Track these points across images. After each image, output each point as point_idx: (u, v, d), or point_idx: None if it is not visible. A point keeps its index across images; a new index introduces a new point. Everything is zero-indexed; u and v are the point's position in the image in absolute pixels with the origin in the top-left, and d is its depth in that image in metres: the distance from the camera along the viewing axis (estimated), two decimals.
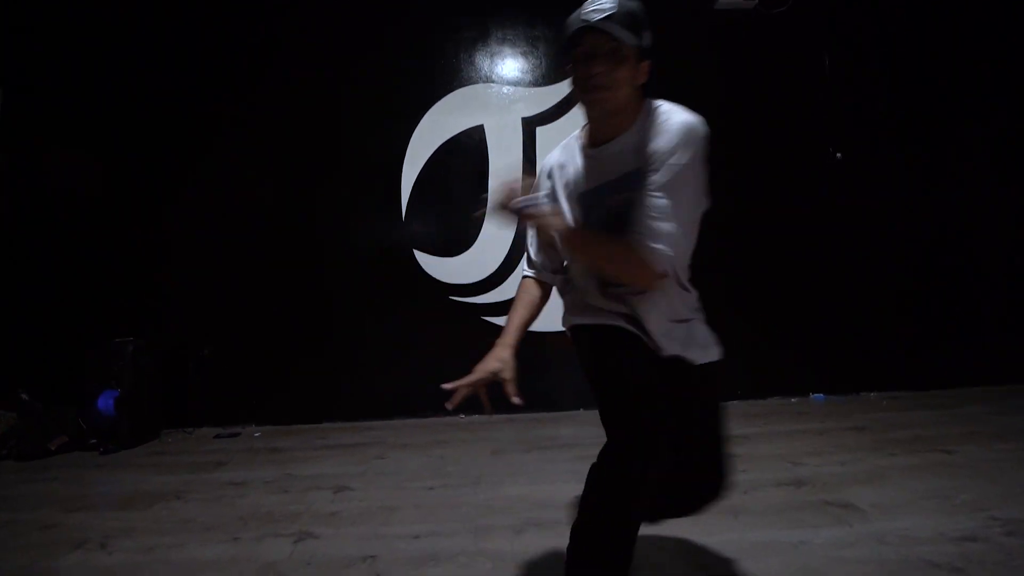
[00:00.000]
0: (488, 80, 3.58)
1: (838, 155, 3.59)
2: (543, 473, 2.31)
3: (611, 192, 1.11)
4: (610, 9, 1.02)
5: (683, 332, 1.16)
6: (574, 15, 1.06)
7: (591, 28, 1.01)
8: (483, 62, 3.59)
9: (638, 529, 1.01)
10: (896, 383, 3.50)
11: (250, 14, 3.56)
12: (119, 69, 3.52)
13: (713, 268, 3.39)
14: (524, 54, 3.61)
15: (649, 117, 1.08)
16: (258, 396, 3.41)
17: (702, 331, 1.21)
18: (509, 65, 3.60)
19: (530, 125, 3.52)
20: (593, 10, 1.03)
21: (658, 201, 1.01)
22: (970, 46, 3.72)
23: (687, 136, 1.03)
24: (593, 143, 1.15)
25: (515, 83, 3.58)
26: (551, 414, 3.32)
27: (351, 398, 3.42)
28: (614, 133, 1.10)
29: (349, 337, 3.45)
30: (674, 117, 1.05)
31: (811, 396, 3.46)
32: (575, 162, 1.19)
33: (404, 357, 3.40)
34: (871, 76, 3.69)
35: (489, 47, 3.60)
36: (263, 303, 3.46)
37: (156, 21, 3.53)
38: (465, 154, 3.48)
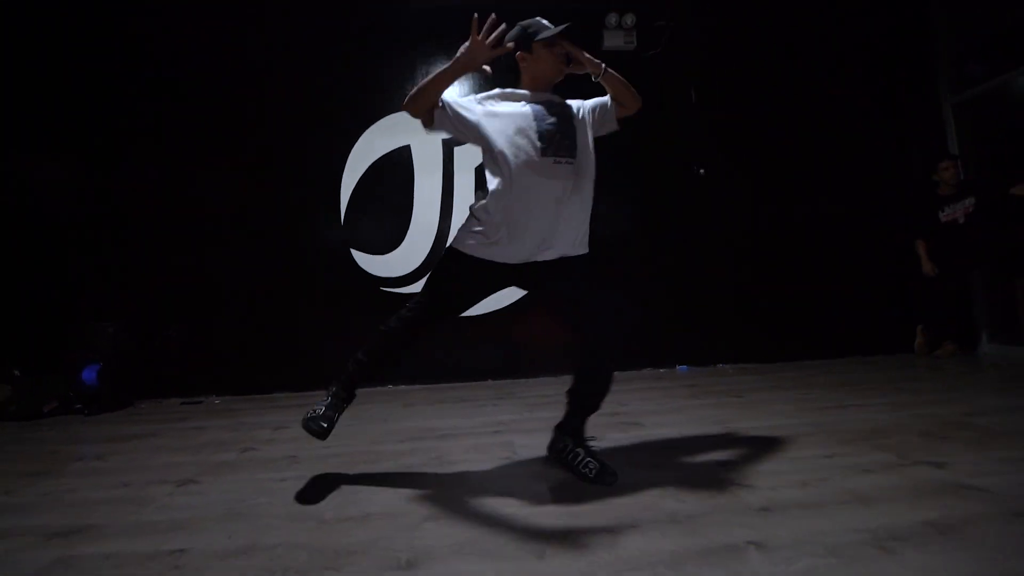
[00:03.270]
0: None
1: (701, 171, 4.41)
2: (434, 415, 3.03)
3: None
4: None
5: None
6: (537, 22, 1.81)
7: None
8: (410, 91, 4.30)
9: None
10: (746, 357, 4.34)
11: (226, 38, 4.22)
12: (94, 80, 4.12)
13: (608, 264, 4.23)
14: None
15: None
16: (218, 371, 4.03)
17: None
18: None
19: (449, 145, 4.23)
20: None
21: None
22: (811, 72, 4.64)
23: None
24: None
25: None
26: (463, 383, 4.04)
27: (297, 372, 4.06)
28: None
29: (295, 320, 4.11)
30: None
31: (677, 367, 4.26)
32: None
33: (341, 338, 4.06)
34: (730, 103, 4.53)
35: (415, 78, 4.32)
36: (223, 291, 4.10)
37: (129, 41, 4.16)
38: (395, 169, 4.19)
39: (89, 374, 3.65)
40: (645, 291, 4.32)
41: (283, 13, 4.24)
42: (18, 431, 3.17)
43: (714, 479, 1.75)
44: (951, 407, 2.61)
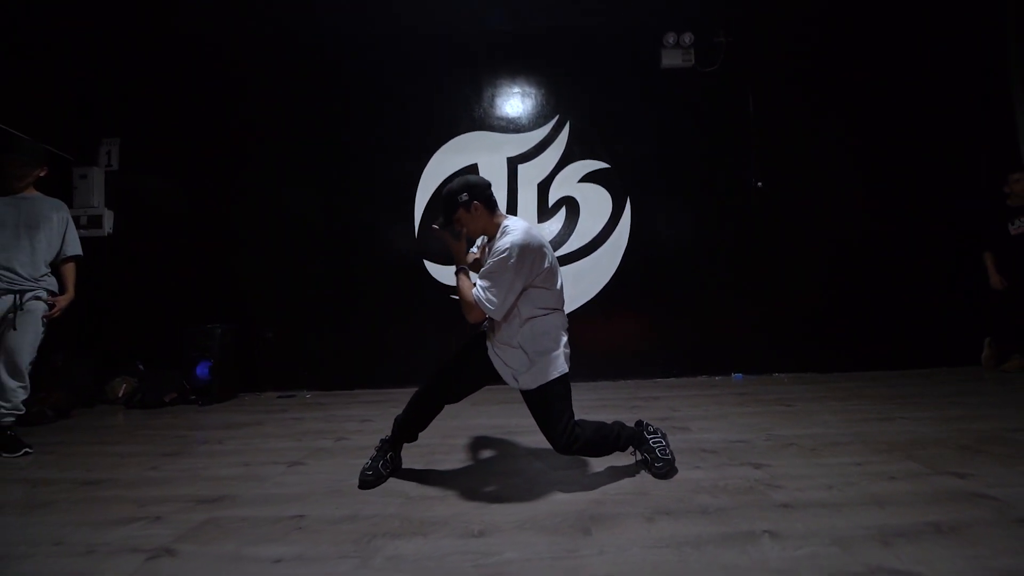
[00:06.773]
0: (481, 127, 4.64)
1: (759, 184, 4.51)
2: (499, 414, 3.35)
3: None
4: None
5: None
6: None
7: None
8: (477, 113, 4.67)
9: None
10: (803, 367, 4.40)
11: (315, 78, 4.76)
12: (208, 113, 4.72)
13: (666, 274, 4.41)
14: (509, 106, 4.67)
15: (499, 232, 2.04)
16: (309, 369, 4.54)
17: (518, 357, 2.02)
18: (497, 115, 4.67)
19: (513, 163, 4.55)
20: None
21: (483, 280, 1.96)
22: (873, 81, 4.61)
23: (509, 246, 1.89)
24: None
25: (502, 129, 4.62)
26: None
27: (377, 370, 4.51)
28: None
29: (375, 324, 4.55)
30: (505, 237, 1.95)
31: (732, 376, 4.38)
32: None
33: (415, 339, 4.49)
34: (788, 116, 4.59)
35: (481, 101, 4.68)
36: (312, 298, 4.60)
37: (237, 81, 4.77)
38: None
39: (202, 369, 4.22)
40: (703, 300, 4.47)
41: (360, 48, 4.70)
42: (146, 418, 3.75)
43: (746, 479, 1.97)
44: (997, 422, 2.66)
